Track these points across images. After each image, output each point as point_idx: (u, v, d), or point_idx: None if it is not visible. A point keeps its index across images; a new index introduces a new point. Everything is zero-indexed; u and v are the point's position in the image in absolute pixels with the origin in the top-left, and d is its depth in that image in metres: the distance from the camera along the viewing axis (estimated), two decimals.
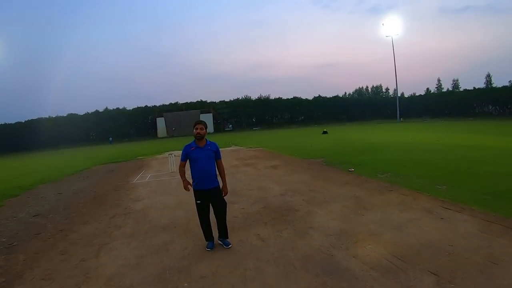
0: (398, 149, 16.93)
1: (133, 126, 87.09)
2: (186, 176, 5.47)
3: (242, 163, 16.44)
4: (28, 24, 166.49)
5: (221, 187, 5.45)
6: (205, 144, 5.31)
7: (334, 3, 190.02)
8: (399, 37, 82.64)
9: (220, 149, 5.53)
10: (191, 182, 5.35)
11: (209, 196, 5.27)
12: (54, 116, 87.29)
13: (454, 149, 15.23)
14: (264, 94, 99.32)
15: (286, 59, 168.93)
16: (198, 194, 5.27)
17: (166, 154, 23.62)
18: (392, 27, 78.72)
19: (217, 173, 5.41)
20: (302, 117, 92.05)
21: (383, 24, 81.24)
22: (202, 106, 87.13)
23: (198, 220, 5.48)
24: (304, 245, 5.19)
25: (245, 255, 5.03)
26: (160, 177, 13.83)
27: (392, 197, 7.69)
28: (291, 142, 28.47)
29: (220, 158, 5.46)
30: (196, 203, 5.34)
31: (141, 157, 25.47)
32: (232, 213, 7.10)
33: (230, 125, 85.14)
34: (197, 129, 5.24)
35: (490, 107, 73.71)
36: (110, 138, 74.18)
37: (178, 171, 5.89)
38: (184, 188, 5.49)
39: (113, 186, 12.68)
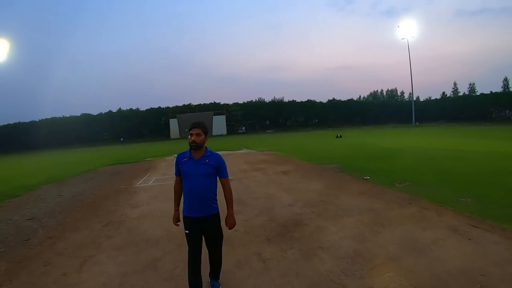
0: (415, 155, 16.03)
1: (146, 127, 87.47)
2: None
3: (252, 167, 15.78)
4: (44, 25, 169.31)
5: (225, 216, 4.02)
6: (201, 156, 3.77)
7: (349, 6, 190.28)
8: (414, 40, 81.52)
9: (221, 160, 3.90)
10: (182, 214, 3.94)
11: (202, 226, 3.82)
12: (67, 116, 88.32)
13: (475, 156, 14.35)
14: (278, 96, 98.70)
15: (300, 61, 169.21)
16: (187, 221, 3.82)
17: (176, 155, 23.20)
18: (407, 29, 77.48)
19: (216, 196, 3.95)
20: (316, 120, 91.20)
21: (398, 26, 79.82)
22: (215, 107, 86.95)
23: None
24: (311, 270, 4.48)
25: (242, 280, 4.38)
26: (165, 181, 13.25)
27: (412, 211, 6.90)
28: (304, 146, 27.67)
29: (227, 176, 3.94)
30: (185, 233, 3.88)
31: (150, 158, 25.00)
32: None
33: (243, 128, 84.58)
34: (191, 135, 3.72)
35: (507, 111, 72.14)
36: (122, 139, 74.65)
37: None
38: (173, 222, 4.15)
39: (114, 190, 12.19)
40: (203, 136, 3.75)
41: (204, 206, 3.77)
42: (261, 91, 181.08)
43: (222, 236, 4.08)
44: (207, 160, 3.76)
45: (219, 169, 3.84)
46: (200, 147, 3.75)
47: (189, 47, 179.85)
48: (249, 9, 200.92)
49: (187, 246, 3.87)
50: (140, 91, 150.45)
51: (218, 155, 3.91)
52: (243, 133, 79.52)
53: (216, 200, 3.90)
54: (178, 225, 4.08)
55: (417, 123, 72.40)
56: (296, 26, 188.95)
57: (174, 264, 4.93)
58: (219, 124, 78.77)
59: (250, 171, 14.61)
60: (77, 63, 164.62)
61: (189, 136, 3.73)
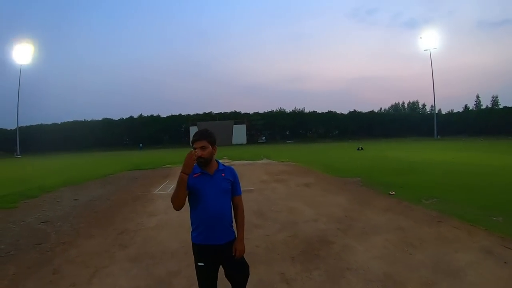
0: (440, 170, 15.45)
1: (167, 133, 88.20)
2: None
3: (273, 178, 15.36)
4: (67, 30, 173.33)
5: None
6: (216, 170, 3.08)
7: (370, 17, 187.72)
8: (436, 51, 79.90)
9: (236, 175, 3.25)
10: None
11: (220, 256, 3.06)
12: (89, 120, 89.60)
13: (502, 172, 13.77)
14: (299, 107, 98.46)
15: (322, 72, 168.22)
16: (200, 251, 3.05)
17: None
18: (429, 40, 76.54)
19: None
20: (337, 131, 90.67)
21: (420, 37, 79.38)
22: (236, 116, 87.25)
23: None
24: None
25: None
26: None
27: (443, 230, 6.40)
28: (325, 158, 27.15)
29: (240, 194, 3.27)
30: (196, 266, 3.08)
31: (169, 165, 24.73)
32: (254, 241, 6.10)
33: (264, 137, 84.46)
34: (195, 148, 2.97)
35: None
36: (140, 145, 75.37)
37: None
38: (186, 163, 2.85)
39: (132, 196, 11.95)
40: (210, 147, 3.00)
41: (222, 231, 3.04)
42: (282, 101, 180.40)
43: (247, 268, 3.28)
44: (223, 174, 3.08)
45: (234, 184, 3.17)
46: (209, 163, 3.02)
47: (211, 55, 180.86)
48: (272, 19, 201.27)
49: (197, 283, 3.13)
50: (161, 97, 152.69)
51: (232, 168, 3.28)
52: (263, 142, 79.48)
53: (232, 226, 3.17)
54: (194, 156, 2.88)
55: (439, 136, 71.06)
56: (318, 37, 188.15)
57: (190, 281, 4.50)
58: (239, 133, 79.00)
59: (271, 182, 14.23)
60: (100, 68, 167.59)
61: (193, 149, 2.97)
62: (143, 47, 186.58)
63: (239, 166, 22.26)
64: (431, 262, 4.90)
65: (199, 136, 3.01)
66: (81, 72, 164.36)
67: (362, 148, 38.06)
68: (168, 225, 7.63)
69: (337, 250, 5.60)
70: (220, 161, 3.22)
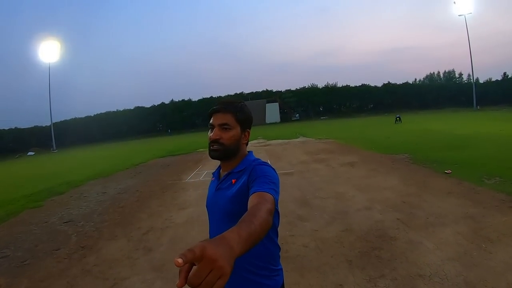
0: (491, 143, 13.88)
1: (199, 117, 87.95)
2: None
3: (312, 158, 14.35)
4: (97, 23, 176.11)
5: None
6: (229, 173, 1.75)
7: None
8: (471, 17, 75.46)
9: (260, 172, 1.60)
10: None
11: None
12: (121, 110, 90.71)
13: None
14: (331, 82, 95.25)
15: (352, 45, 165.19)
16: None
17: None
18: (464, 5, 72.25)
19: (271, 262, 1.71)
20: (372, 105, 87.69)
21: (454, 2, 74.80)
22: (268, 95, 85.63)
23: None
24: None
25: None
26: None
27: None
28: (364, 133, 25.70)
29: (262, 190, 1.44)
30: None
31: (202, 149, 23.88)
32: (301, 238, 5.18)
33: (297, 114, 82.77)
34: (212, 127, 1.75)
35: None
36: (169, 130, 75.85)
37: None
38: None
39: (161, 186, 11.28)
40: (239, 129, 1.75)
41: (237, 281, 1.61)
42: (314, 77, 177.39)
43: None
44: (233, 181, 1.70)
45: (250, 182, 1.58)
46: (231, 156, 1.75)
47: (239, 35, 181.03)
48: None
49: None
50: (192, 82, 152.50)
51: (258, 162, 1.73)
52: (297, 120, 77.70)
53: (270, 269, 1.68)
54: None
55: (478, 106, 67.76)
56: (345, 9, 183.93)
57: None
58: (272, 112, 77.74)
59: (311, 162, 13.21)
60: (129, 58, 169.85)
61: (209, 132, 1.77)
62: (170, 33, 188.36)
63: (275, 146, 21.45)
64: None
65: (222, 105, 1.75)
66: (110, 63, 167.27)
67: (400, 119, 36.21)
68: (199, 221, 6.73)
69: (402, 249, 4.56)
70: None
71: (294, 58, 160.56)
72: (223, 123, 1.70)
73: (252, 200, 1.41)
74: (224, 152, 1.70)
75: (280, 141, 24.96)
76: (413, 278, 3.77)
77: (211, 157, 1.74)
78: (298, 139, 25.27)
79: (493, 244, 4.42)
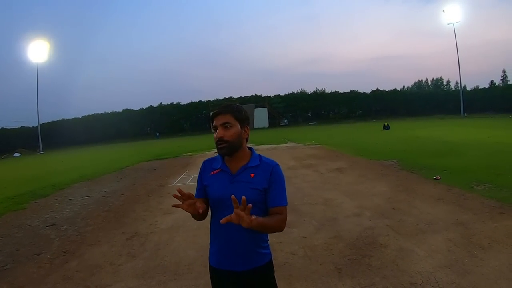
0: (479, 150, 14.01)
1: (187, 120, 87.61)
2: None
3: (301, 164, 14.29)
4: (82, 24, 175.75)
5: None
6: (243, 166, 2.04)
7: None
8: (459, 26, 76.31)
9: (278, 176, 2.05)
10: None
11: (241, 284, 2.06)
12: (109, 112, 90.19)
13: None
14: (320, 88, 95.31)
15: (341, 52, 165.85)
16: (216, 276, 2.15)
17: (214, 151, 22.14)
18: (453, 14, 73.19)
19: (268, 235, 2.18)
20: (360, 111, 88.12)
21: (443, 11, 75.66)
22: (256, 100, 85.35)
23: None
24: None
25: None
26: None
27: (509, 225, 5.27)
28: (352, 139, 25.78)
29: (283, 205, 2.02)
30: None
31: (189, 153, 23.92)
32: (289, 245, 5.08)
33: (286, 120, 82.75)
34: (216, 128, 2.02)
35: None
36: (157, 134, 75.44)
37: None
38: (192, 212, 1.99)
39: (147, 190, 11.11)
40: (238, 126, 2.02)
41: (245, 255, 2.02)
42: (303, 83, 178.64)
43: None
44: (252, 175, 2.00)
45: (269, 190, 1.99)
46: (235, 150, 2.01)
47: (227, 41, 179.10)
48: (284, 2, 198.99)
49: None
50: (180, 86, 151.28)
51: (274, 163, 2.08)
52: (286, 125, 77.60)
53: (267, 242, 2.13)
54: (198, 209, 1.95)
55: (465, 114, 68.55)
56: (333, 16, 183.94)
57: None
58: (261, 117, 77.59)
59: (300, 168, 13.16)
60: (118, 60, 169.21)
61: (213, 132, 2.04)
62: (158, 38, 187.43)
63: (263, 151, 21.31)
64: (508, 270, 3.86)
65: (221, 108, 2.04)
66: (99, 65, 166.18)
67: (388, 126, 36.42)
68: (184, 226, 6.61)
69: (393, 257, 4.47)
70: (256, 151, 2.16)
71: (283, 64, 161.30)
72: (225, 122, 1.98)
73: (275, 210, 1.99)
74: (229, 147, 1.97)
75: (268, 146, 24.91)
76: (405, 286, 3.69)
77: (220, 155, 2.05)
78: (286, 145, 25.27)
79: (485, 251, 4.37)
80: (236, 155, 2.03)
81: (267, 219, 1.91)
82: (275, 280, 2.16)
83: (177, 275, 4.44)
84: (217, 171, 2.07)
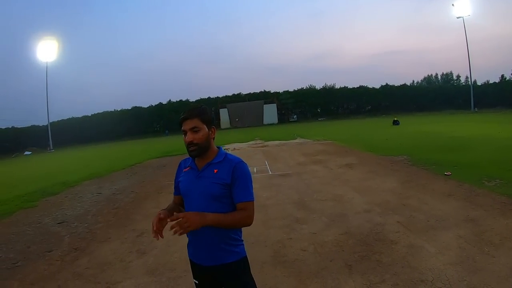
0: (490, 145, 13.79)
1: None
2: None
3: (310, 159, 14.23)
4: (90, 23, 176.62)
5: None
6: (208, 164, 2.17)
7: None
8: (469, 19, 75.34)
9: (242, 173, 2.14)
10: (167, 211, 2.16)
11: (216, 277, 2.16)
12: (119, 110, 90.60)
13: None
14: (329, 83, 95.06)
15: (349, 48, 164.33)
16: (193, 267, 2.25)
17: (223, 147, 22.11)
18: (462, 7, 72.26)
19: (240, 232, 2.24)
20: (369, 106, 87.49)
21: (453, 4, 74.70)
22: (265, 96, 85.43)
23: None
24: None
25: None
26: None
27: None
28: (362, 135, 25.67)
29: (248, 200, 2.12)
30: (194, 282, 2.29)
31: None
32: (299, 242, 5.06)
33: (295, 116, 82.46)
34: (185, 132, 2.14)
35: None
36: (167, 131, 75.55)
37: None
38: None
39: (156, 187, 11.17)
40: (205, 128, 2.15)
41: (214, 251, 2.10)
42: (312, 78, 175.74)
43: None
44: (215, 171, 2.13)
45: (233, 186, 2.11)
46: (205, 151, 2.15)
47: (236, 37, 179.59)
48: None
49: None
50: (189, 83, 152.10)
51: (238, 160, 2.19)
52: (295, 121, 77.44)
53: (239, 239, 2.19)
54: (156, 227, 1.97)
55: (476, 109, 67.73)
56: (339, 12, 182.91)
57: None
58: (270, 113, 77.79)
59: (309, 164, 13.09)
60: (127, 59, 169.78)
61: (183, 136, 2.16)
62: (167, 35, 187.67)
63: (273, 147, 21.48)
64: None
65: (188, 113, 2.15)
66: (108, 63, 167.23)
67: (397, 121, 36.14)
68: None
69: (403, 253, 4.43)
70: (224, 149, 2.29)
71: (292, 60, 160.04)
72: (193, 127, 2.11)
73: (240, 206, 2.09)
74: (199, 149, 2.11)
75: (277, 142, 24.93)
76: (415, 283, 3.65)
77: (191, 157, 2.20)
78: (295, 140, 25.23)
79: (496, 248, 4.31)
80: (207, 154, 2.18)
81: (224, 215, 2.03)
82: (250, 280, 2.23)
83: (187, 271, 4.41)
84: (187, 168, 2.25)
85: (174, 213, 1.99)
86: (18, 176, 20.39)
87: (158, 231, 1.96)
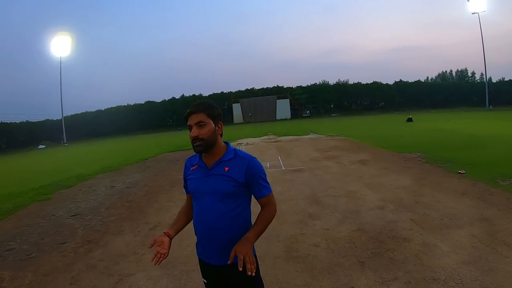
0: (505, 144, 13.46)
1: None
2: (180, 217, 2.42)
3: (323, 155, 14.15)
4: (106, 19, 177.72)
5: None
6: (217, 161, 2.12)
7: None
8: (484, 15, 73.79)
9: (255, 170, 2.12)
10: (168, 234, 2.31)
11: (224, 277, 2.15)
12: (132, 104, 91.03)
13: None
14: (342, 79, 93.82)
15: (363, 43, 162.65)
16: (202, 267, 2.30)
17: (236, 142, 22.12)
18: (478, 3, 70.95)
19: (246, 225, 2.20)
20: (383, 103, 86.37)
21: (468, 0, 73.54)
22: (278, 91, 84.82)
23: None
24: None
25: None
26: None
27: None
28: (375, 131, 25.32)
29: (268, 194, 2.16)
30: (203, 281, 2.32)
31: None
32: (311, 237, 5.05)
33: (308, 111, 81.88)
34: (190, 128, 2.09)
35: None
36: (180, 128, 75.83)
37: None
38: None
39: (170, 180, 11.18)
40: (212, 124, 2.09)
41: (222, 249, 2.05)
42: (325, 74, 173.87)
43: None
44: (226, 169, 2.08)
45: (251, 184, 2.11)
46: (211, 147, 2.09)
47: (250, 32, 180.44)
48: None
49: None
50: (202, 77, 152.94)
51: (249, 157, 2.15)
52: (308, 117, 76.80)
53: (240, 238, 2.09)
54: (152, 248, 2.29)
55: (490, 106, 66.68)
56: (352, 7, 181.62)
57: None
58: (283, 108, 77.47)
59: (322, 159, 13.02)
60: (140, 53, 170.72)
61: (189, 132, 2.11)
62: (181, 29, 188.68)
63: (286, 142, 21.40)
64: None
65: (193, 108, 2.11)
66: (121, 58, 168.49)
67: (411, 119, 35.70)
68: None
69: (416, 251, 4.39)
70: (232, 145, 2.24)
71: (305, 55, 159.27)
72: (198, 121, 2.05)
73: (263, 201, 2.16)
74: (205, 145, 2.05)
75: (290, 137, 24.82)
76: (428, 282, 3.62)
77: (196, 152, 2.13)
78: (308, 136, 25.09)
79: (509, 248, 4.24)
80: (212, 151, 2.12)
81: (257, 225, 2.10)
82: (259, 281, 2.20)
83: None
84: (195, 166, 2.20)
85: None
86: (32, 169, 20.71)
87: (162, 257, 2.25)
